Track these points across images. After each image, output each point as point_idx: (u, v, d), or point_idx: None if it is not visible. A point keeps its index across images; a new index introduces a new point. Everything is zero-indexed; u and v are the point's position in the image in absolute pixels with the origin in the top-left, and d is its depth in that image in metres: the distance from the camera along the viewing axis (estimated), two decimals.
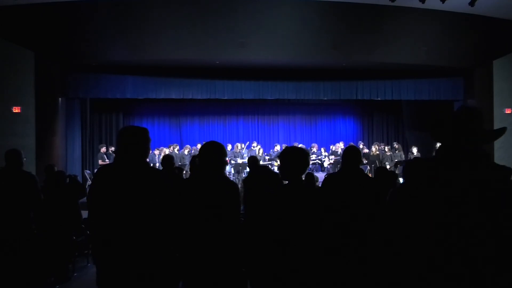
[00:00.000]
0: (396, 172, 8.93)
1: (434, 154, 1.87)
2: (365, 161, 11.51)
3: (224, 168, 2.50)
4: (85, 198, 4.47)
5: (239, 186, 4.05)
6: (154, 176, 2.39)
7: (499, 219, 1.58)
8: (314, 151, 12.67)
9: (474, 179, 1.63)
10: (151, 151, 2.50)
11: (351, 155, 2.98)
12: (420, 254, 1.70)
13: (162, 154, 11.17)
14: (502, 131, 1.69)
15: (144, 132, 2.41)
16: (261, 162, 11.38)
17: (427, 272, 1.66)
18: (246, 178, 3.64)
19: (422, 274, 1.68)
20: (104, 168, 2.46)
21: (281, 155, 2.47)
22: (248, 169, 6.89)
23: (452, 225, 1.62)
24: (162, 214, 2.30)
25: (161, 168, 6.41)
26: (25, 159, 4.19)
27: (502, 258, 1.57)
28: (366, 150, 12.47)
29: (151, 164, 9.98)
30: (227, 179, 2.51)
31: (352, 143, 12.85)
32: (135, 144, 2.34)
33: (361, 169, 3.15)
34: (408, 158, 11.36)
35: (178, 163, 11.22)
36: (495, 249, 1.57)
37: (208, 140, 2.61)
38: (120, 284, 2.25)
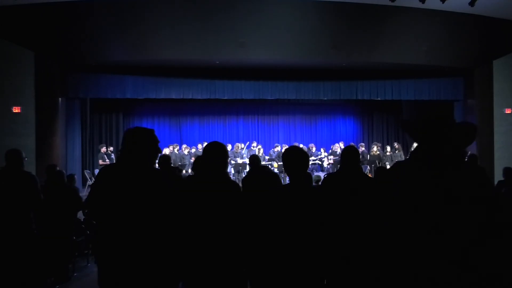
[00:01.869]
0: None
1: (410, 156, 1.90)
2: (364, 157, 11.52)
3: (225, 168, 2.53)
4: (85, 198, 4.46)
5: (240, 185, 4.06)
6: (155, 177, 2.39)
7: (479, 216, 1.62)
8: (312, 151, 12.67)
9: (457, 180, 1.66)
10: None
11: (350, 155, 2.98)
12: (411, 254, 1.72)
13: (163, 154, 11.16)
14: (472, 134, 1.74)
15: (146, 133, 2.39)
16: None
17: (421, 270, 1.69)
18: (245, 177, 3.64)
19: (417, 272, 1.70)
20: (106, 168, 2.46)
21: (283, 156, 2.50)
22: (248, 168, 6.86)
23: (437, 223, 1.65)
24: (162, 215, 2.30)
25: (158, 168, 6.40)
26: (26, 159, 4.19)
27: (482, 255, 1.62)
28: (363, 148, 12.47)
29: None
30: (229, 178, 2.55)
31: (352, 143, 12.87)
32: (136, 145, 2.34)
33: (361, 168, 3.17)
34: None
35: (178, 163, 11.23)
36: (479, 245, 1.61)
37: (207, 140, 2.64)
38: (120, 284, 2.25)
